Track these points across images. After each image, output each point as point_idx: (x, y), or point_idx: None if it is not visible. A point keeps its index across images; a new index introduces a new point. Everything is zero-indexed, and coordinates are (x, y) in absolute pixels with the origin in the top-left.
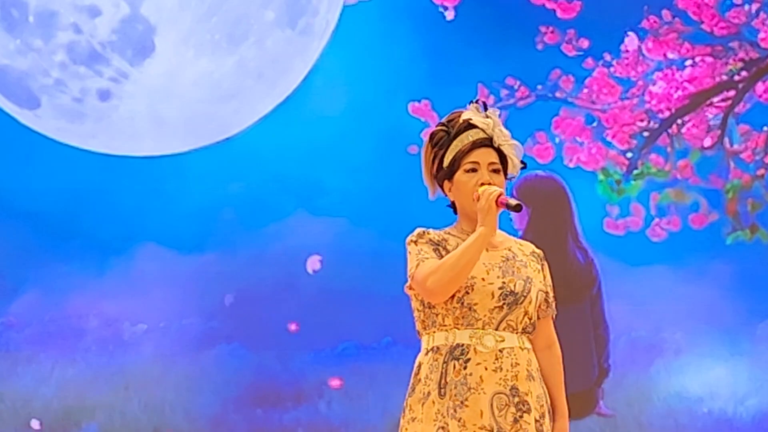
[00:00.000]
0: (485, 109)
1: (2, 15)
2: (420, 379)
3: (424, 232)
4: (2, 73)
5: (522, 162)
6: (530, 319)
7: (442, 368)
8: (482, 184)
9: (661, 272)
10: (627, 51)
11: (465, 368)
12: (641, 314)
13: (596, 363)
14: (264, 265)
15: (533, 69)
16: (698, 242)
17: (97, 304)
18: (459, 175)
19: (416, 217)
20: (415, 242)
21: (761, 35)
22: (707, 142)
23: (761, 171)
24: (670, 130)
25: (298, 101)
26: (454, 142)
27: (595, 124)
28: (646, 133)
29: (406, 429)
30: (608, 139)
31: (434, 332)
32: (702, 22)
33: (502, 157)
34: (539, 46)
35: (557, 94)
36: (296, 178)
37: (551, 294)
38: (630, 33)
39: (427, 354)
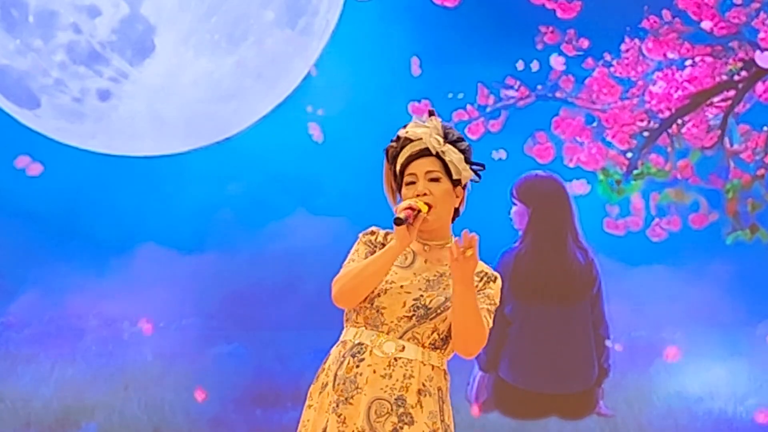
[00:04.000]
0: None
1: (2, 15)
2: (323, 369)
3: (373, 231)
4: (2, 73)
5: (476, 163)
6: (440, 335)
7: (340, 362)
8: (417, 196)
9: (660, 272)
10: (627, 51)
11: (357, 367)
12: (641, 314)
13: (596, 363)
14: (264, 265)
15: (533, 69)
16: (698, 242)
17: (97, 304)
18: (403, 190)
19: None
20: (359, 240)
21: (761, 35)
22: (707, 142)
23: (761, 171)
24: (670, 130)
25: (298, 101)
26: (398, 158)
27: (595, 124)
28: (646, 133)
29: (303, 415)
30: (608, 139)
31: (349, 326)
32: (702, 22)
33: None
34: (539, 46)
35: (557, 94)
36: (296, 177)
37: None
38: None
39: (337, 346)
